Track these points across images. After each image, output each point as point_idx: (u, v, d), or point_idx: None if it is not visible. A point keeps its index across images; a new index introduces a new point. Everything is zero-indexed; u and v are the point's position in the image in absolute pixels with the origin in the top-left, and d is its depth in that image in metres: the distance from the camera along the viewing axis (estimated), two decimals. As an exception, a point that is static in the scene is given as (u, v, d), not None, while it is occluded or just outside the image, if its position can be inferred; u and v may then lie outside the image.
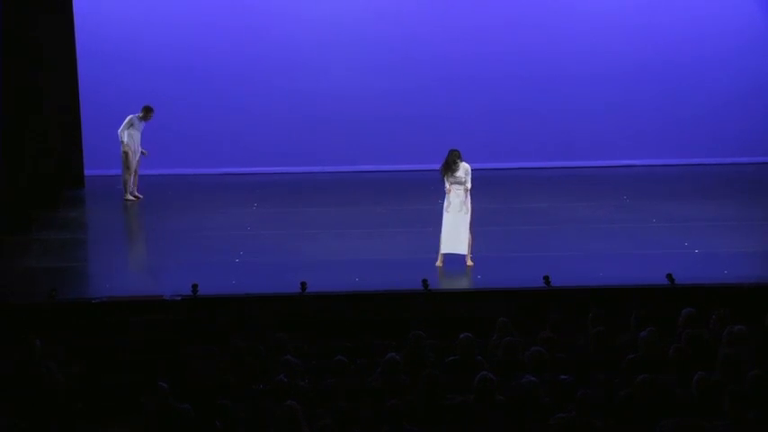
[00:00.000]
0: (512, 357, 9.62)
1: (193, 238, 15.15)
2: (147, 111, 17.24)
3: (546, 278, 12.68)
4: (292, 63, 19.14)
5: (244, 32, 19.07)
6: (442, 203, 13.85)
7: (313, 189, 18.10)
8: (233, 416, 8.59)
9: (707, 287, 12.64)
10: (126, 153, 17.12)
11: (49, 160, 17.83)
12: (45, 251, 14.67)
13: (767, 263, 14.31)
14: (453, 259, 13.75)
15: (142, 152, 17.24)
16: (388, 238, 15.13)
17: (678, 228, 15.34)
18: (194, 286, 12.44)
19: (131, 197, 17.31)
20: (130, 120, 17.13)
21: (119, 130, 17.09)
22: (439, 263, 13.75)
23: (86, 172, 18.22)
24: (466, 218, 13.68)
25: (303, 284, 12.55)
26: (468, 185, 13.65)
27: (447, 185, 13.70)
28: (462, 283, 13.58)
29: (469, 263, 13.76)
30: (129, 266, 14.79)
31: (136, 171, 17.35)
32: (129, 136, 17.12)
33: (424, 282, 12.69)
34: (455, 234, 13.67)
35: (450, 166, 13.63)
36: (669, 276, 12.71)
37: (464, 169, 13.65)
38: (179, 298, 12.48)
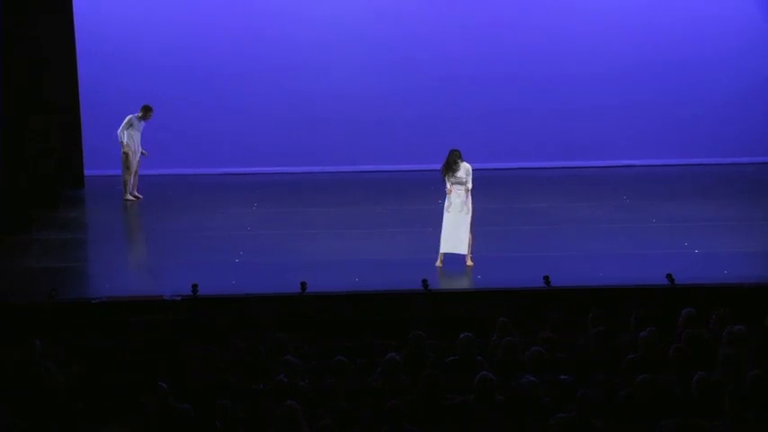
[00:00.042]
0: (512, 357, 9.62)
1: (193, 238, 15.15)
2: (147, 110, 17.24)
3: (546, 278, 12.68)
4: (292, 63, 19.14)
5: (244, 32, 19.07)
6: (443, 204, 13.85)
7: (313, 189, 18.10)
8: (233, 416, 8.59)
9: (707, 287, 12.64)
10: (126, 154, 17.12)
11: (49, 160, 17.83)
12: (45, 251, 14.67)
13: (767, 263, 14.31)
14: (453, 259, 13.75)
15: (142, 152, 17.24)
16: (388, 238, 15.13)
17: (678, 228, 15.34)
18: (194, 286, 12.45)
19: (131, 197, 17.31)
20: (130, 120, 17.12)
21: (118, 131, 17.09)
22: (439, 263, 13.75)
23: (86, 172, 18.23)
24: (467, 218, 13.68)
25: (303, 284, 12.55)
26: (470, 186, 13.65)
27: (448, 186, 13.70)
28: (462, 283, 13.58)
29: (469, 263, 13.76)
30: (129, 266, 14.79)
31: (136, 171, 17.34)
32: (129, 136, 17.12)
33: (424, 282, 12.69)
34: (455, 234, 13.66)
35: (450, 167, 13.62)
36: (669, 276, 12.71)
37: (465, 169, 13.64)
38: (179, 298, 12.48)
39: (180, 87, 18.95)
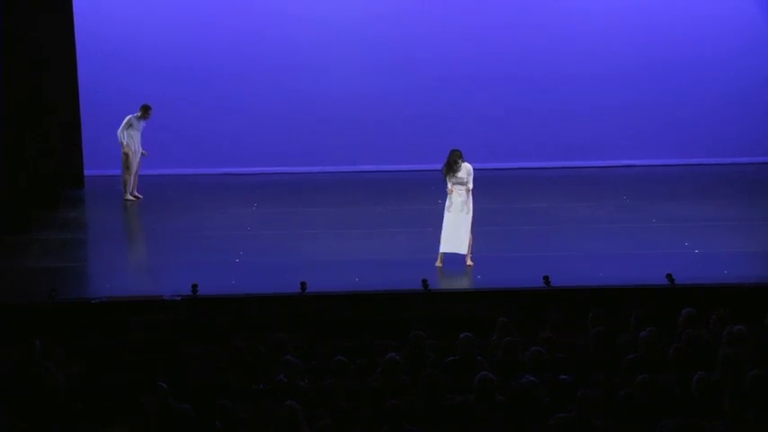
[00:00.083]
0: (512, 357, 9.62)
1: (193, 238, 15.14)
2: (146, 109, 17.23)
3: (546, 278, 12.68)
4: (292, 63, 19.13)
5: (244, 32, 19.07)
6: (443, 204, 13.85)
7: (313, 189, 18.09)
8: (233, 416, 8.59)
9: (707, 287, 12.64)
10: (126, 154, 17.12)
11: (49, 160, 17.82)
12: (45, 251, 14.67)
13: (767, 263, 14.30)
14: (453, 259, 13.75)
15: (143, 153, 17.24)
16: (388, 238, 15.13)
17: (678, 228, 15.34)
18: (194, 286, 12.45)
19: (131, 197, 17.31)
20: (129, 120, 17.12)
21: (118, 132, 17.08)
22: (439, 263, 13.75)
23: (86, 172, 18.22)
24: (467, 218, 13.67)
25: (303, 284, 12.55)
26: (470, 186, 13.64)
27: (449, 186, 13.69)
28: (462, 283, 13.58)
29: (469, 263, 13.75)
30: (129, 266, 14.79)
31: (136, 171, 17.34)
32: (129, 137, 17.11)
33: (424, 282, 12.69)
34: (456, 234, 13.65)
35: (452, 167, 13.60)
36: (669, 276, 12.71)
37: (466, 170, 13.63)
38: (179, 298, 12.48)
39: (180, 87, 18.95)
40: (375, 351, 10.38)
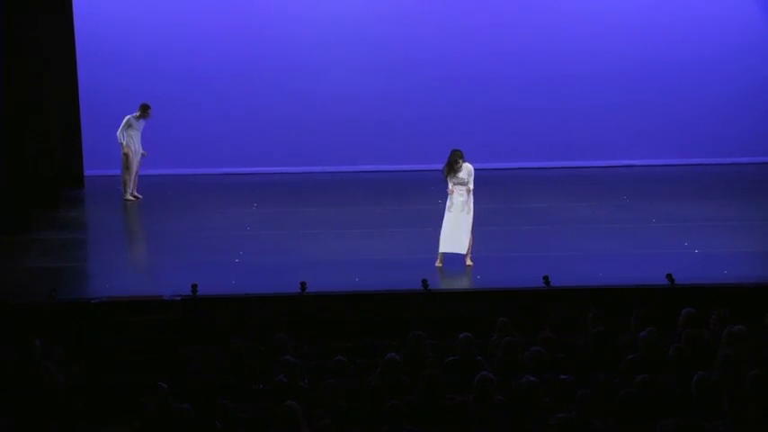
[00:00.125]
0: (512, 357, 9.63)
1: (193, 238, 15.14)
2: (145, 109, 17.21)
3: (546, 278, 12.68)
4: (292, 63, 19.13)
5: (244, 33, 19.06)
6: (444, 204, 13.84)
7: (313, 189, 18.09)
8: (233, 416, 8.59)
9: (707, 287, 12.64)
10: (126, 154, 17.12)
11: (48, 160, 17.80)
12: (45, 251, 14.66)
13: (767, 263, 14.30)
14: (453, 259, 13.74)
15: (143, 153, 17.23)
16: (388, 238, 15.13)
17: (678, 228, 15.34)
18: (194, 286, 12.44)
19: (131, 197, 17.31)
20: (128, 120, 17.10)
21: (117, 132, 17.08)
22: (438, 263, 13.74)
23: (86, 172, 18.21)
24: (468, 218, 13.66)
25: (303, 284, 12.55)
26: (471, 186, 13.63)
27: (450, 186, 13.68)
28: (462, 283, 13.58)
29: (469, 263, 13.75)
30: (128, 266, 14.78)
31: (136, 172, 17.34)
32: (129, 137, 17.11)
33: (424, 282, 12.69)
34: (456, 234, 13.65)
35: (452, 167, 13.58)
36: (669, 276, 12.71)
37: (467, 170, 13.61)
38: (179, 298, 12.47)
39: (180, 87, 18.94)
40: (375, 351, 10.39)
